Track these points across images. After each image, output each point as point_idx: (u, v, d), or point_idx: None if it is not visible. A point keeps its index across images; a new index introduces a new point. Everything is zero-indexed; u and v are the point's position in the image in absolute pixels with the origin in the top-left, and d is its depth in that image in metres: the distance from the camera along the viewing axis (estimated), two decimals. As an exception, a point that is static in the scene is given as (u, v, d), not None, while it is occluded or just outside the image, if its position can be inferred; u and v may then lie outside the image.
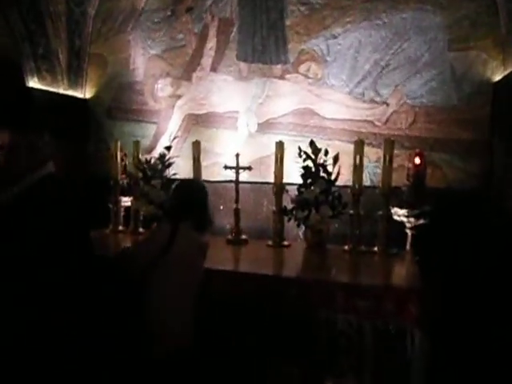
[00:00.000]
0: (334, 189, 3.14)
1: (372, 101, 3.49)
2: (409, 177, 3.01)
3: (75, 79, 4.14)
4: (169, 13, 3.94)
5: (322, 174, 3.10)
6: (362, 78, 3.51)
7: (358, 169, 3.06)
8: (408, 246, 2.97)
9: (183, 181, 2.81)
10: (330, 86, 3.53)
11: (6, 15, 3.40)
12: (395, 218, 2.99)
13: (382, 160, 3.03)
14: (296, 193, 3.20)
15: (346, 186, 3.24)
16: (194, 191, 2.37)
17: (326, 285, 2.32)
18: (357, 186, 3.04)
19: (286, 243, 3.17)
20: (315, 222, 2.94)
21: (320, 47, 3.56)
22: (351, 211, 3.05)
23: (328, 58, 3.54)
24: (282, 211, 3.16)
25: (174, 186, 2.53)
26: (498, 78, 3.09)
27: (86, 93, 4.32)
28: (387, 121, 3.46)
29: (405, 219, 2.93)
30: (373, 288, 2.23)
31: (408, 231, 2.99)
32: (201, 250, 2.29)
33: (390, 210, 2.97)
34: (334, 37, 3.51)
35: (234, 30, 3.75)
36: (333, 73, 3.53)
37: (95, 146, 4.24)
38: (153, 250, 2.17)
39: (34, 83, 3.73)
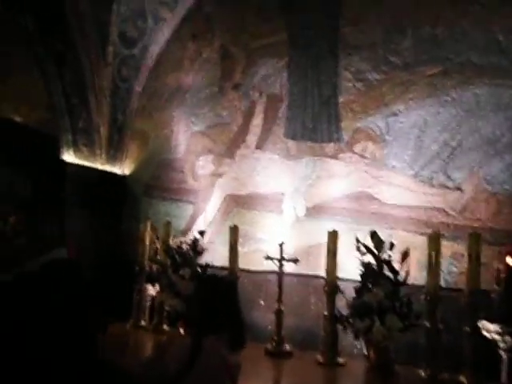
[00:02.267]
0: (402, 292, 2.60)
1: (443, 186, 3.08)
2: (499, 280, 2.44)
3: (114, 154, 4.00)
4: (215, 90, 3.87)
5: (386, 272, 2.65)
6: (429, 159, 3.14)
7: (433, 268, 2.56)
8: (504, 376, 2.20)
9: (208, 278, 2.38)
10: (391, 168, 3.23)
11: (49, 88, 3.25)
12: (484, 333, 2.37)
13: (457, 256, 2.83)
14: (353, 294, 2.72)
15: (413, 286, 2.76)
16: (221, 294, 1.84)
17: None
18: (433, 291, 2.38)
19: (340, 361, 2.67)
20: (380, 336, 2.32)
21: (378, 125, 3.30)
22: (427, 323, 2.36)
23: (387, 137, 3.27)
24: (335, 318, 2.58)
25: (196, 284, 2.00)
26: None
27: (124, 169, 4.14)
28: (463, 209, 3.00)
29: (497, 337, 2.30)
30: None
31: (502, 353, 2.30)
32: (229, 374, 1.68)
33: (477, 324, 2.25)
34: (395, 114, 3.25)
35: (283, 106, 3.60)
36: (393, 153, 3.23)
37: (128, 225, 3.98)
38: (165, 372, 1.59)
39: (69, 157, 3.51)
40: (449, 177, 3.07)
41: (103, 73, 3.65)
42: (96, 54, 3.55)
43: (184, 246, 3.35)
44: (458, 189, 3.03)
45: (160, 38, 3.99)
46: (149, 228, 3.48)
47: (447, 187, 3.07)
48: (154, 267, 3.41)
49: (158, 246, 3.48)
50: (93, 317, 1.30)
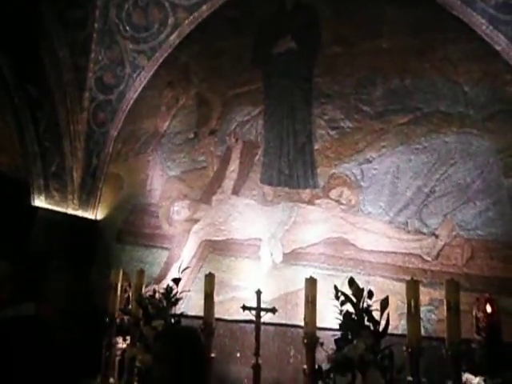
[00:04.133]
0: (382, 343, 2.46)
1: (418, 231, 3.11)
2: (479, 330, 2.39)
3: (87, 199, 3.89)
4: (191, 135, 3.89)
5: (366, 322, 2.49)
6: (403, 205, 3.18)
7: (413, 317, 2.38)
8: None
9: (166, 332, 2.15)
10: (367, 214, 3.25)
11: (21, 133, 3.12)
12: (468, 387, 2.17)
13: (435, 302, 2.83)
14: (333, 344, 2.53)
15: (392, 335, 2.60)
16: (180, 350, 1.59)
17: None
18: (415, 342, 2.27)
19: (321, 418, 2.33)
20: (362, 392, 2.12)
21: (353, 172, 3.35)
22: (409, 378, 2.23)
23: (363, 183, 3.31)
24: (315, 373, 2.41)
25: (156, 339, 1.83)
26: None
27: (97, 214, 4.01)
28: (438, 255, 3.02)
29: (482, 390, 2.10)
30: None
31: (488, 407, 2.12)
32: None
33: (460, 378, 2.18)
34: (369, 161, 3.32)
35: (259, 152, 3.63)
36: (369, 199, 3.27)
37: (100, 273, 3.80)
38: None
39: (40, 202, 3.35)
40: (424, 223, 3.10)
41: (79, 117, 3.61)
42: (72, 99, 3.51)
43: (157, 295, 3.14)
44: (433, 234, 3.05)
45: (137, 84, 4.02)
46: (121, 276, 3.21)
47: (422, 233, 3.09)
48: (126, 318, 3.18)
49: (130, 296, 3.27)
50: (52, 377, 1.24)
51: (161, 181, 3.93)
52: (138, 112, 4.10)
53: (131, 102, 4.07)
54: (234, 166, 3.68)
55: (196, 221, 3.72)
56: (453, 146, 3.06)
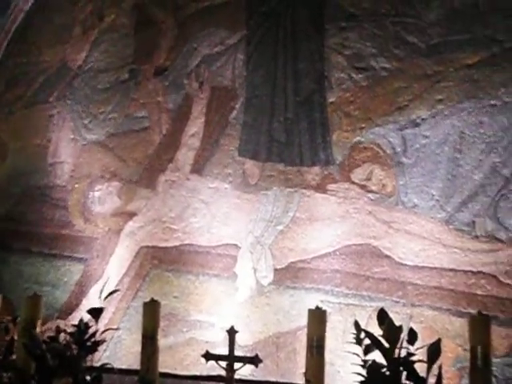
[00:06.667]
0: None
1: (492, 237, 3.02)
2: None
3: None
4: (125, 75, 3.82)
5: (404, 381, 2.34)
6: (469, 196, 3.09)
7: (480, 374, 2.29)
8: None
9: None
10: (411, 208, 3.18)
11: None
12: None
13: None
14: None
15: None
16: None
17: None
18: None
19: None
20: None
21: (389, 140, 3.28)
22: None
23: (405, 160, 3.24)
24: None
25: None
26: None
27: None
28: None
29: None
30: None
31: None
32: None
33: None
34: (416, 124, 3.22)
35: (238, 106, 3.58)
36: (414, 185, 3.19)
37: None
38: None
39: None
40: (500, 223, 3.02)
41: None
42: None
43: (63, 337, 2.95)
44: None
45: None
46: (-1, 305, 3.26)
47: (499, 240, 3.01)
48: (5, 376, 2.98)
49: (15, 338, 3.06)
50: None
51: (72, 149, 3.92)
52: (34, 34, 4.08)
53: (21, 16, 3.95)
54: (195, 127, 3.65)
55: (131, 215, 3.72)
56: (554, 101, 2.94)
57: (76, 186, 3.82)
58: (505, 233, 2.98)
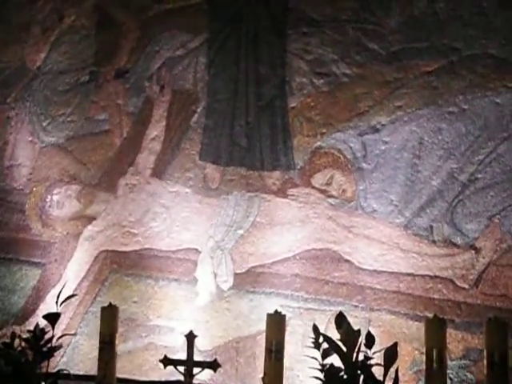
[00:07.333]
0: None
1: (449, 242, 3.06)
2: None
3: None
4: (85, 77, 3.83)
5: None
6: (427, 201, 3.11)
7: (436, 376, 2.33)
8: None
9: None
10: (370, 213, 3.21)
11: None
12: None
13: (472, 354, 2.82)
14: None
15: None
16: None
17: None
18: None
19: None
20: None
21: (350, 146, 3.29)
22: None
23: (365, 165, 3.26)
24: None
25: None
26: None
27: None
28: (480, 280, 2.98)
29: None
30: None
31: None
32: None
33: None
34: (375, 130, 3.25)
35: (199, 110, 3.59)
36: (374, 190, 3.21)
37: None
38: None
39: None
40: (458, 229, 3.05)
41: None
42: None
43: (18, 343, 2.96)
44: (472, 247, 3.01)
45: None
46: None
47: (455, 245, 3.05)
48: None
49: None
50: None
51: (30, 152, 3.91)
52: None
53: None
54: (156, 130, 3.66)
55: (90, 219, 3.71)
56: (507, 110, 3.02)
57: (34, 189, 3.82)
58: (461, 238, 3.02)
